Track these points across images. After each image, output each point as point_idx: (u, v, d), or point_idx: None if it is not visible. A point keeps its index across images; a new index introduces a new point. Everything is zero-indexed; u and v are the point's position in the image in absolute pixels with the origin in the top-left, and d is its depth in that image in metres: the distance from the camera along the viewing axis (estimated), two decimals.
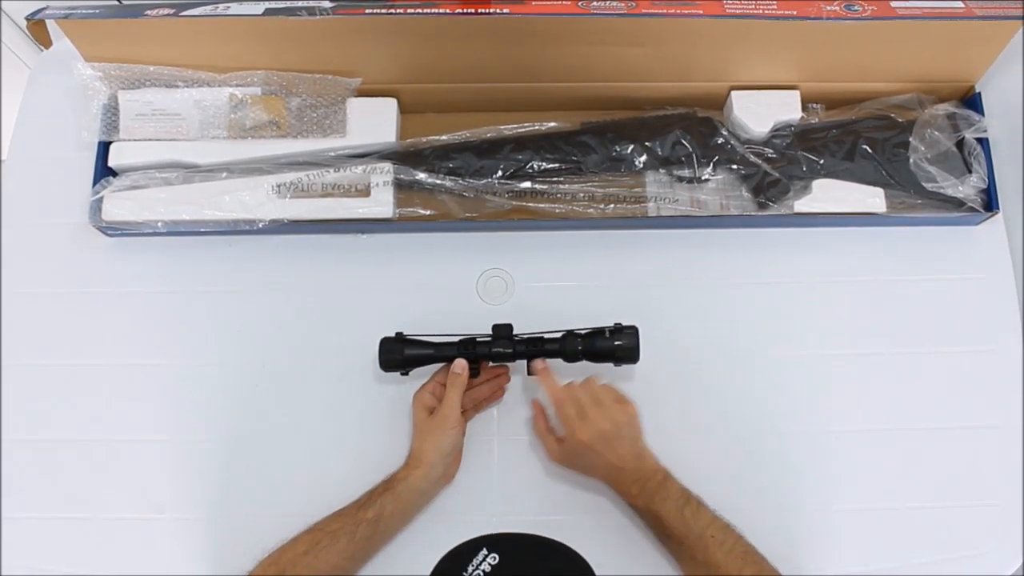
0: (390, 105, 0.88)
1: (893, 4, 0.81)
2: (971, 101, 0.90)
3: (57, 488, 0.81)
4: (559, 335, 0.77)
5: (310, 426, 0.82)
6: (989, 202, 0.87)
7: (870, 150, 0.88)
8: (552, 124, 0.88)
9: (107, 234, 0.88)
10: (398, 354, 0.76)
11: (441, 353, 0.77)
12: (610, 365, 0.77)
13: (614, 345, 0.75)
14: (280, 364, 0.84)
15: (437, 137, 0.88)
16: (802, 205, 0.86)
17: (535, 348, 0.77)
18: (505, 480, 0.81)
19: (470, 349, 0.76)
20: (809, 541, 0.79)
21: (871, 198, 0.86)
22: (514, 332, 0.78)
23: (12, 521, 0.80)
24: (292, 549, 0.69)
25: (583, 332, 0.77)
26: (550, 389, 0.75)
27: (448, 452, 0.75)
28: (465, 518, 0.79)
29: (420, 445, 0.75)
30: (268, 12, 0.80)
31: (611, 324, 0.77)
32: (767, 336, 0.86)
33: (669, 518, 0.71)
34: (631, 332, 0.76)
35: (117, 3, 0.93)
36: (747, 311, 0.87)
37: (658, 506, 0.71)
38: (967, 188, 0.86)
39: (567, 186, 0.87)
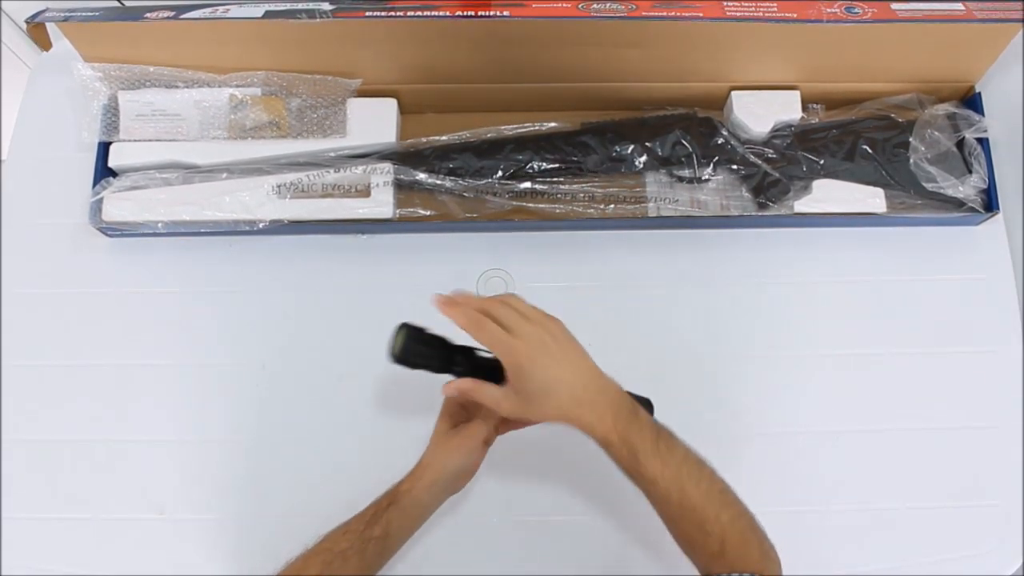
0: (390, 105, 0.88)
1: (893, 6, 0.81)
2: (971, 101, 0.90)
3: (57, 488, 0.81)
4: None
5: (310, 426, 0.82)
6: (989, 202, 0.87)
7: (870, 150, 0.88)
8: (552, 124, 0.88)
9: (107, 234, 0.88)
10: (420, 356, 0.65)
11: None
12: None
13: None
14: (280, 364, 0.85)
15: (437, 137, 0.88)
16: (802, 205, 0.86)
17: None
18: (506, 481, 0.81)
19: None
20: (809, 541, 0.79)
21: (871, 198, 0.86)
22: None
23: (12, 521, 0.80)
24: (303, 571, 0.65)
25: None
26: (462, 316, 0.61)
27: (454, 473, 0.69)
28: (466, 519, 0.79)
29: (431, 458, 0.69)
30: (268, 15, 0.80)
31: None
32: (767, 336, 0.86)
33: (645, 453, 0.61)
34: None
35: (119, 4, 0.93)
36: (747, 311, 0.87)
37: (635, 438, 0.61)
38: (967, 188, 0.86)
39: (567, 186, 0.87)
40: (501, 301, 0.63)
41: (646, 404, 0.70)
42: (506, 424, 0.70)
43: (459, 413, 0.70)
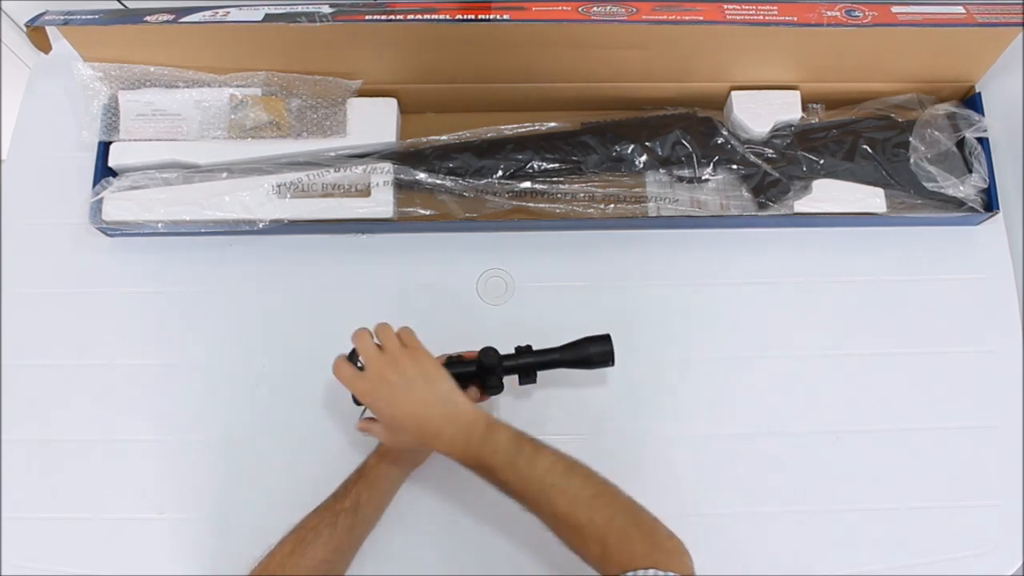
0: (390, 105, 0.88)
1: (894, 9, 0.81)
2: (971, 101, 0.90)
3: (57, 488, 0.81)
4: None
5: (310, 426, 0.82)
6: (989, 202, 0.87)
7: (870, 150, 0.88)
8: (552, 124, 0.88)
9: (107, 234, 0.88)
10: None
11: None
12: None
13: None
14: (280, 364, 0.84)
15: (437, 137, 0.88)
16: (802, 205, 0.86)
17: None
18: None
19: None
20: (809, 541, 0.79)
21: (871, 198, 0.86)
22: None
23: (12, 521, 0.79)
24: (279, 551, 0.69)
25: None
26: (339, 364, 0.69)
27: (417, 452, 0.76)
28: (465, 519, 0.79)
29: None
30: (268, 18, 0.80)
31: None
32: (767, 336, 0.86)
33: (503, 471, 0.64)
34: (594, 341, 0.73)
35: (120, 6, 0.93)
36: (747, 311, 0.87)
37: (489, 458, 0.65)
38: (967, 188, 0.86)
39: (567, 186, 0.87)
40: (376, 331, 0.69)
41: (604, 340, 0.72)
42: None
43: None
